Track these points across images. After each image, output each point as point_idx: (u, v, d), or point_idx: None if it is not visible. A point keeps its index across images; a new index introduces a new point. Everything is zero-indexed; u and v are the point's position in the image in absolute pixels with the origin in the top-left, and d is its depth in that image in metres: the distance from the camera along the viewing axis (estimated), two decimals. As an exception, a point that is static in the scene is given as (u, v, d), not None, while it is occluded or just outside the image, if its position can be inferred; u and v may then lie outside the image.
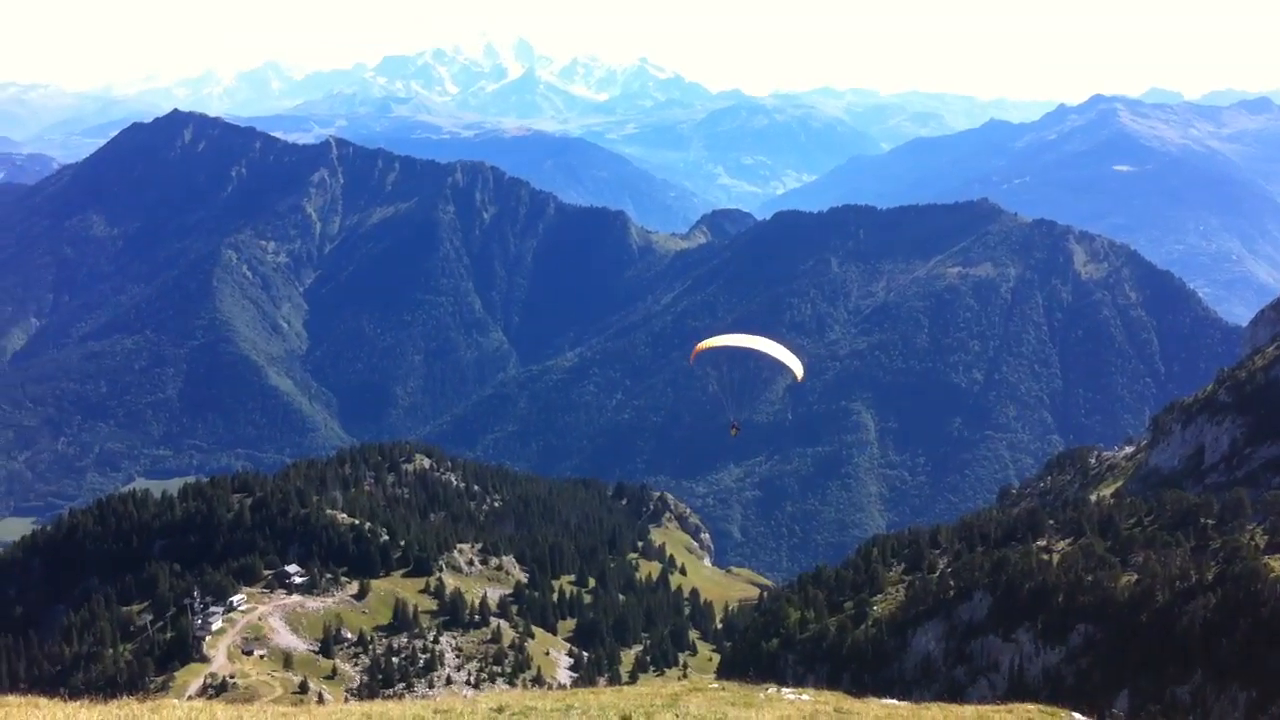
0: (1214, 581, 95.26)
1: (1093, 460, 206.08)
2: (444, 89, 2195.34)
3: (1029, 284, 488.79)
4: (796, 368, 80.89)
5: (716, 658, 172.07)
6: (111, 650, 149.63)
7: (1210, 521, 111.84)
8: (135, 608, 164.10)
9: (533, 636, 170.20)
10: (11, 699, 31.77)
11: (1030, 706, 55.23)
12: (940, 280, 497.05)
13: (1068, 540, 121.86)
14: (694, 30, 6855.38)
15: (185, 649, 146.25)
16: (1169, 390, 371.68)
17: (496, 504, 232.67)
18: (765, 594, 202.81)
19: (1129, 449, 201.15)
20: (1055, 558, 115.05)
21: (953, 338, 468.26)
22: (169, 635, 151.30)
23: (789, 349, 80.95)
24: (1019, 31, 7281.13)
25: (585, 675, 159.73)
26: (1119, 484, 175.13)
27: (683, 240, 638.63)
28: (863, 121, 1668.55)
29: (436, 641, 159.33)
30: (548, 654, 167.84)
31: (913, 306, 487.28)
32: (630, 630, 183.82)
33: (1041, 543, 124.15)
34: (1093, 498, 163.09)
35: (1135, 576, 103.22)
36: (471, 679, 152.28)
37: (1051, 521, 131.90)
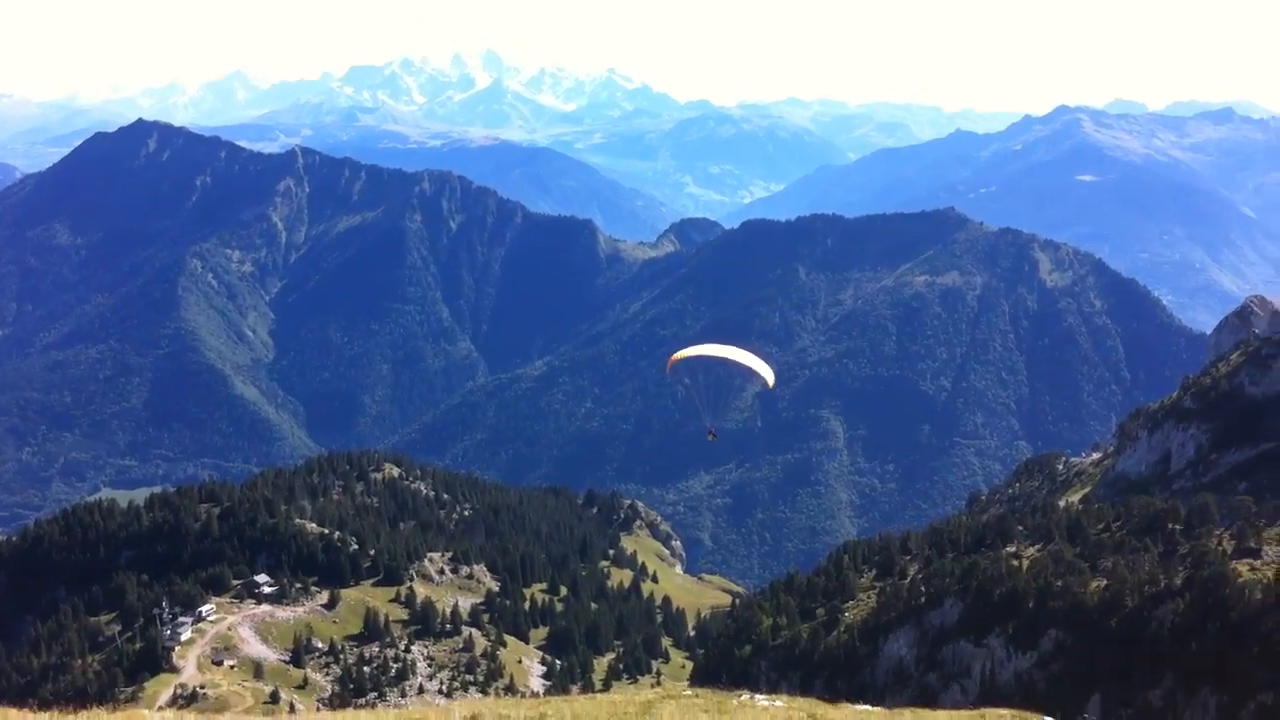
0: (1182, 586, 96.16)
1: (1060, 466, 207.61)
2: (411, 99, 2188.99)
3: (995, 292, 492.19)
4: (767, 374, 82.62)
5: (689, 665, 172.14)
6: (80, 661, 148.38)
7: (1178, 527, 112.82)
8: (103, 618, 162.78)
9: (505, 645, 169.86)
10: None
11: (1003, 712, 55.78)
12: (907, 288, 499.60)
13: (1037, 546, 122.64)
14: (661, 41, 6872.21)
15: (155, 659, 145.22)
16: (1135, 397, 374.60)
17: (466, 513, 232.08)
18: (737, 601, 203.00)
19: (1096, 455, 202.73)
20: (1025, 563, 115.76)
21: (920, 345, 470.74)
22: (138, 646, 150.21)
23: (758, 356, 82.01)
24: (984, 43, 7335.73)
25: (558, 683, 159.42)
26: (1087, 490, 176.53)
27: (651, 249, 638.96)
28: (830, 131, 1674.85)
29: (408, 650, 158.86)
30: (520, 662, 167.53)
31: (880, 314, 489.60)
32: (603, 638, 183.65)
33: (1011, 549, 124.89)
34: (1061, 503, 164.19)
35: (1104, 582, 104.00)
36: (444, 688, 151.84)
37: (1021, 527, 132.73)
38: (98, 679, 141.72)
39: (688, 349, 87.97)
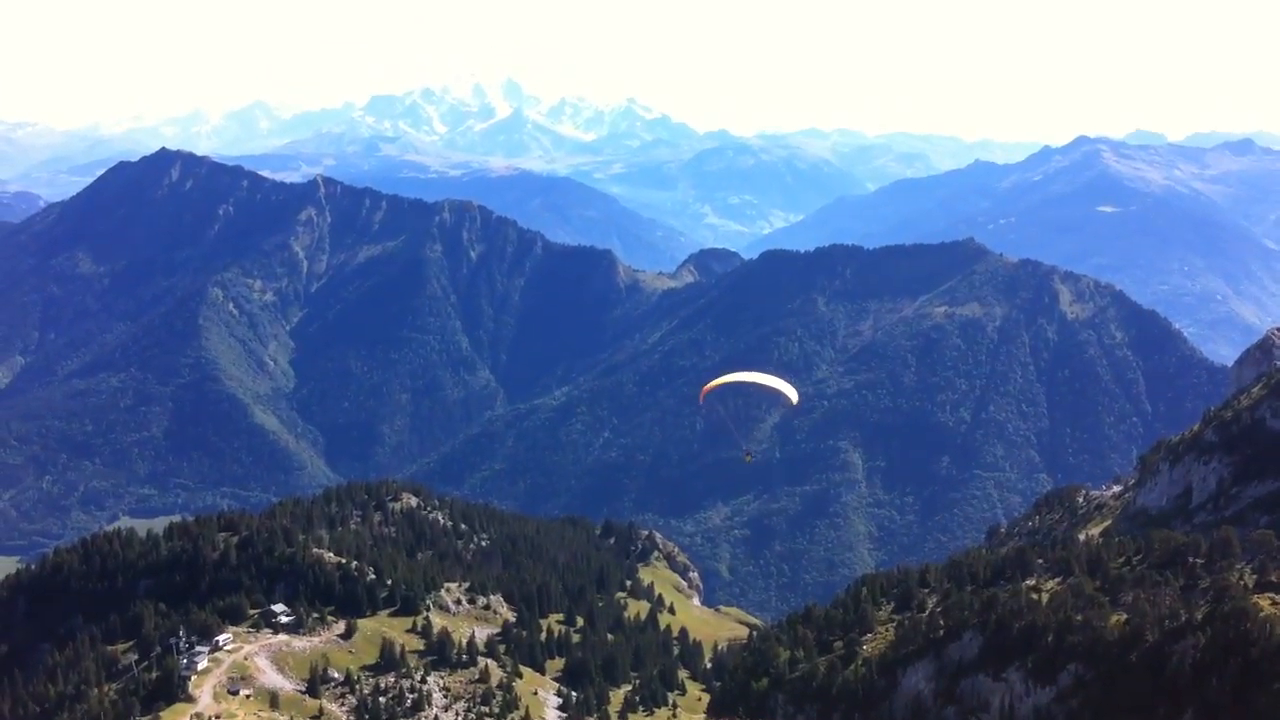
0: (1203, 621, 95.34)
1: (1080, 499, 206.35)
2: (432, 128, 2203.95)
3: (1015, 324, 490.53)
4: (791, 393, 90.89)
5: (706, 697, 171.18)
6: (96, 690, 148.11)
7: (1199, 561, 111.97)
8: (120, 647, 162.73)
9: (520, 676, 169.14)
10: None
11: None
12: (927, 320, 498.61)
13: (1057, 580, 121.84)
14: (681, 71, 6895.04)
15: (170, 689, 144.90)
16: (1155, 430, 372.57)
17: (484, 543, 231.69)
18: (754, 633, 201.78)
19: (1117, 488, 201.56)
20: (1044, 597, 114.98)
21: (940, 377, 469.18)
22: (154, 675, 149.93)
23: (781, 379, 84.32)
24: (1004, 74, 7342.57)
25: (574, 715, 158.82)
26: (1107, 523, 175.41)
27: (670, 279, 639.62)
28: (849, 162, 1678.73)
29: (424, 681, 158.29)
30: (536, 694, 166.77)
31: (900, 346, 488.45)
32: (619, 669, 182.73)
33: (1030, 582, 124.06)
34: (1081, 537, 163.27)
35: (1125, 616, 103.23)
36: (459, 719, 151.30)
37: (1040, 561, 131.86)
38: (114, 708, 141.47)
39: (719, 379, 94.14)
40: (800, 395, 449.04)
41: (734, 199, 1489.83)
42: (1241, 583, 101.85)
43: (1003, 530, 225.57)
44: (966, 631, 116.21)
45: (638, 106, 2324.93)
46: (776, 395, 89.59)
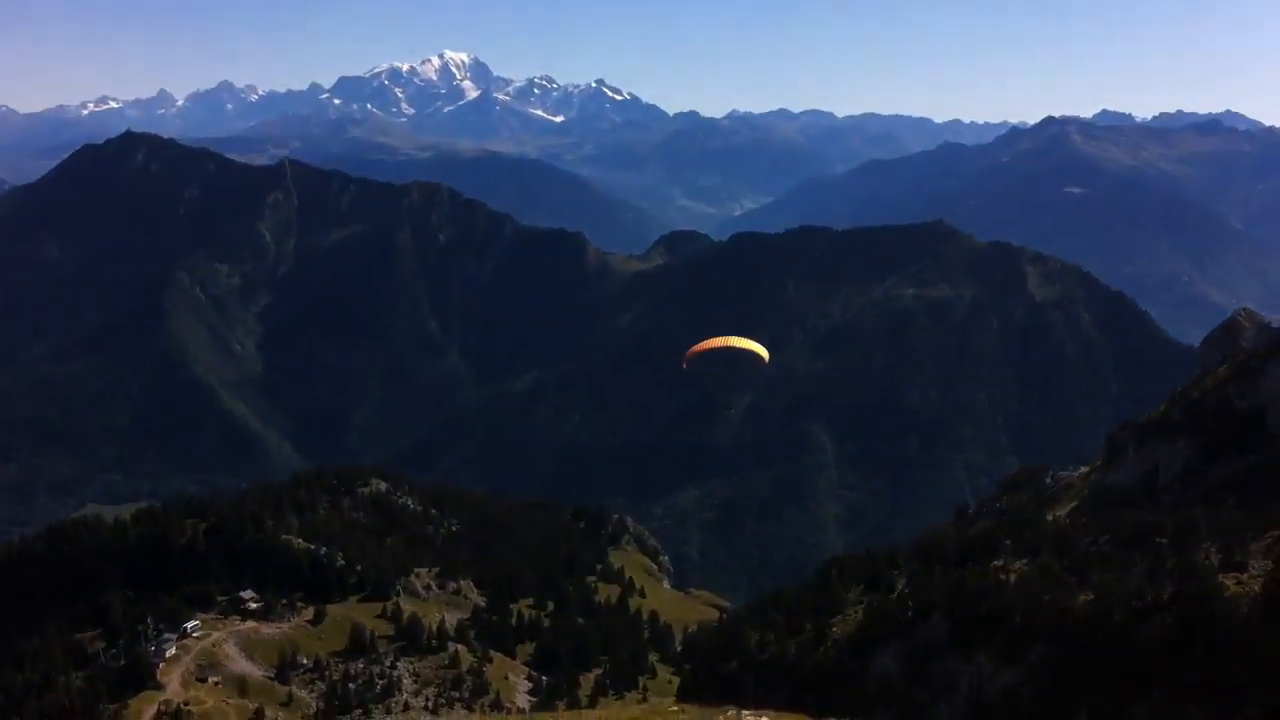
0: (1170, 600, 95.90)
1: (1048, 480, 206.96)
2: (400, 110, 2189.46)
3: (984, 305, 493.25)
4: (763, 352, 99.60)
5: (676, 680, 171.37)
6: (64, 678, 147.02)
7: (1165, 541, 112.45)
8: (88, 635, 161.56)
9: (491, 661, 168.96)
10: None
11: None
12: (896, 301, 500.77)
13: (1024, 560, 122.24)
14: (650, 53, 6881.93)
15: (139, 676, 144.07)
16: (1122, 410, 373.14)
17: (454, 527, 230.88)
18: (724, 616, 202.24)
19: (1084, 469, 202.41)
20: (1012, 577, 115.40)
21: (909, 358, 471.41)
22: (122, 663, 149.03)
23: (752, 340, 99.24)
24: (972, 55, 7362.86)
25: (545, 699, 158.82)
26: (1074, 504, 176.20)
27: (640, 262, 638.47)
28: (818, 143, 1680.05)
29: (394, 667, 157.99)
30: (506, 678, 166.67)
31: (869, 327, 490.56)
32: (589, 653, 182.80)
33: (998, 563, 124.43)
34: (1049, 517, 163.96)
35: (1092, 596, 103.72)
36: (430, 704, 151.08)
37: (1008, 541, 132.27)
38: (82, 696, 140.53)
39: (702, 344, 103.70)
40: (769, 379, 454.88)
41: (704, 181, 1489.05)
42: (1208, 562, 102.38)
43: (971, 511, 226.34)
44: (935, 613, 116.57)
45: (607, 88, 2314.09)
46: (749, 357, 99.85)
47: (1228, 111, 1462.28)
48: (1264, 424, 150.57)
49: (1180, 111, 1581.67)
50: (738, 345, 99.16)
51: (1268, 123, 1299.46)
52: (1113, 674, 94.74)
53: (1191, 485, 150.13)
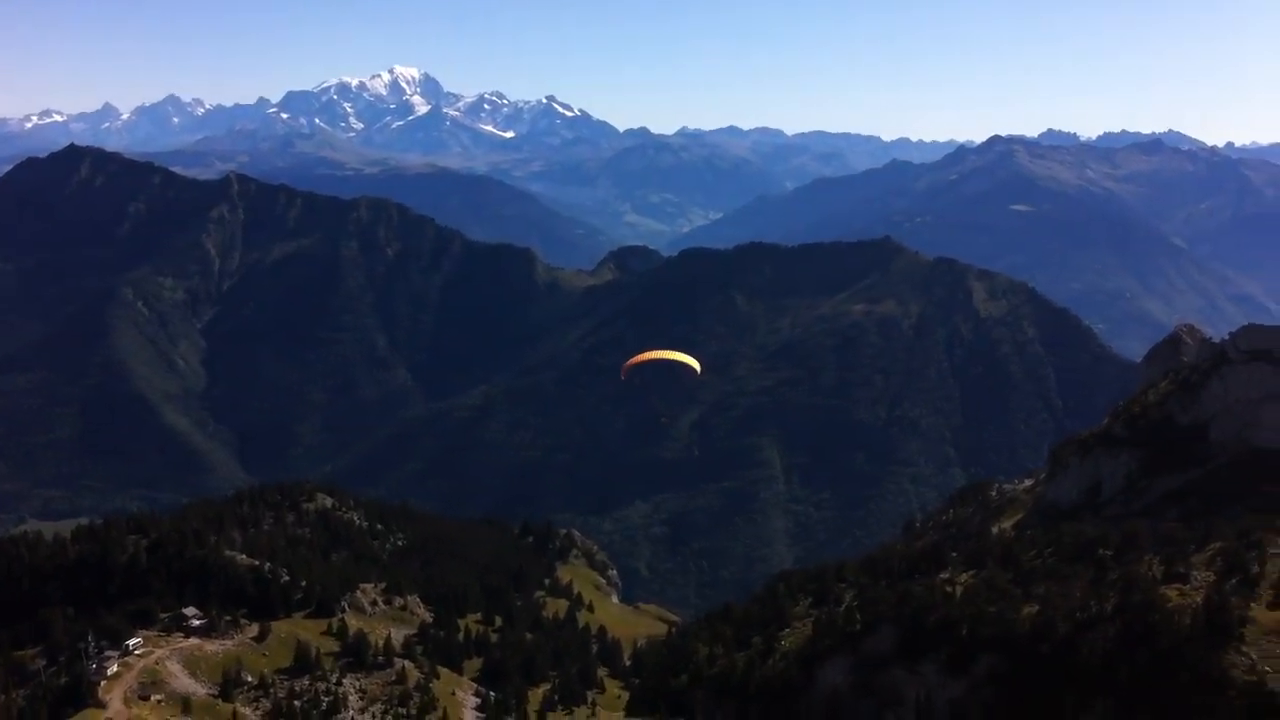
0: (1113, 612, 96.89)
1: (994, 493, 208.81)
2: (349, 125, 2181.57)
3: (931, 321, 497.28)
4: (695, 364, 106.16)
5: (625, 695, 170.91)
6: (4, 696, 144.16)
7: (1109, 553, 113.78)
8: (28, 652, 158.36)
9: (438, 677, 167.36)
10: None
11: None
12: (845, 317, 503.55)
13: (970, 572, 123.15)
14: (600, 69, 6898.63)
15: (80, 694, 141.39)
16: (1066, 424, 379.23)
17: (400, 543, 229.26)
18: (673, 630, 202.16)
19: (1028, 482, 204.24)
20: (959, 590, 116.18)
21: (857, 373, 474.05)
22: (63, 680, 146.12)
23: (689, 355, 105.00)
24: (921, 74, 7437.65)
25: (492, 715, 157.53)
26: (1019, 516, 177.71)
27: (590, 277, 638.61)
28: (768, 160, 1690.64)
29: (340, 683, 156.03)
30: (454, 694, 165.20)
31: (818, 343, 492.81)
32: (538, 668, 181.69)
33: (945, 575, 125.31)
34: (994, 530, 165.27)
35: (1037, 608, 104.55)
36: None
37: (954, 554, 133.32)
38: (22, 715, 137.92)
39: (638, 356, 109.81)
40: (718, 394, 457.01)
41: (654, 197, 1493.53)
42: (1150, 574, 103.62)
43: (918, 524, 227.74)
44: (882, 625, 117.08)
45: (557, 104, 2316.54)
46: (686, 368, 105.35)
47: (1170, 131, 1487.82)
48: (1206, 437, 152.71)
49: (1124, 131, 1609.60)
50: (671, 358, 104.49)
51: (1209, 142, 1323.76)
52: (1058, 684, 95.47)
53: (1134, 498, 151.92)
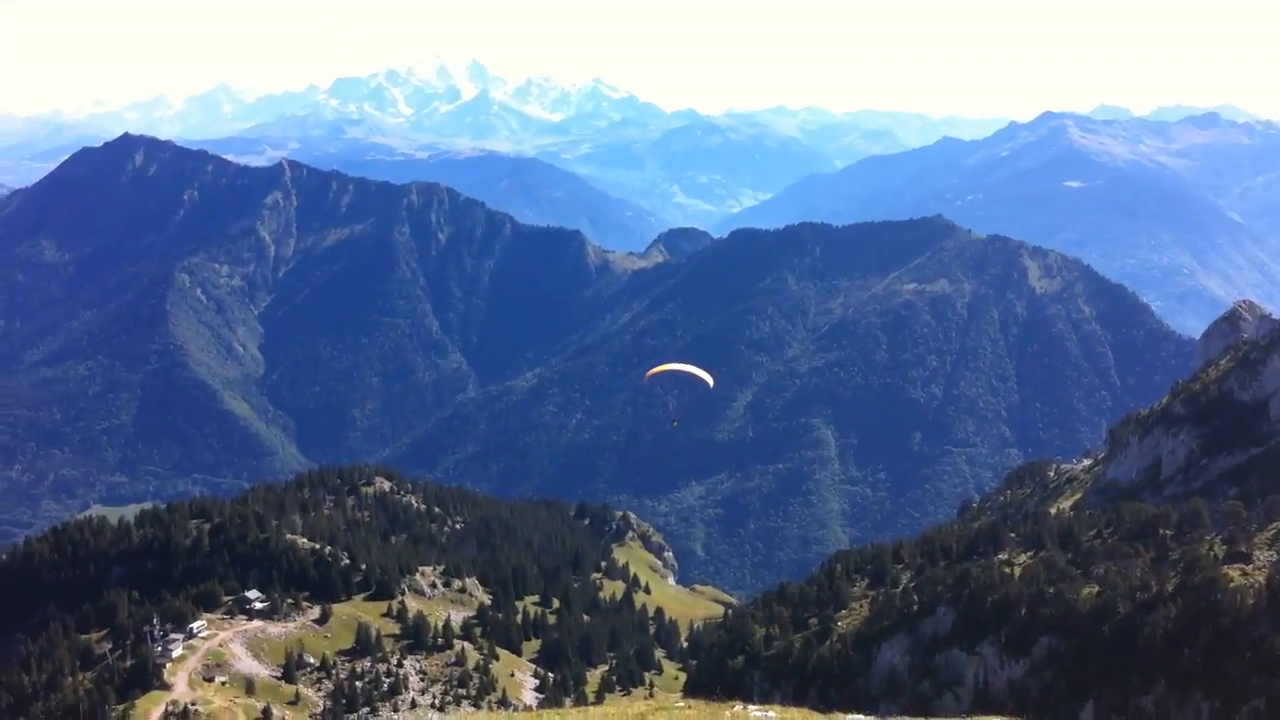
0: (1174, 592, 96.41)
1: (1051, 473, 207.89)
2: (397, 110, 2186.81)
3: (984, 299, 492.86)
4: (707, 377, 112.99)
5: (682, 676, 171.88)
6: (71, 679, 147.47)
7: (1169, 532, 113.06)
8: (94, 636, 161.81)
9: (497, 658, 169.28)
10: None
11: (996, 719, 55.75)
12: (897, 296, 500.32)
13: (1029, 553, 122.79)
14: (647, 50, 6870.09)
15: (146, 676, 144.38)
16: (1124, 403, 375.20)
17: (458, 526, 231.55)
18: (730, 611, 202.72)
19: (1087, 461, 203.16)
20: (1017, 570, 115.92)
21: (910, 353, 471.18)
22: (129, 663, 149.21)
23: (702, 369, 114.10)
24: (969, 50, 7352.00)
25: (551, 696, 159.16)
26: (1078, 496, 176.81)
27: (640, 259, 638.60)
28: (817, 140, 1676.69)
29: (400, 665, 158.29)
30: (512, 675, 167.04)
31: (870, 323, 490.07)
32: (595, 650, 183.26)
33: (1003, 556, 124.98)
34: (1052, 510, 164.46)
35: (1097, 588, 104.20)
36: (436, 702, 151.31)
37: (1012, 535, 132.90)
38: (89, 697, 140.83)
39: (657, 367, 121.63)
40: (770, 375, 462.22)
41: (702, 178, 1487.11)
42: (1211, 554, 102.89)
43: (975, 505, 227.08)
44: (940, 606, 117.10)
45: (604, 86, 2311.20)
46: (699, 379, 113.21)
47: (1225, 105, 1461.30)
48: (1266, 415, 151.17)
49: (1178, 105, 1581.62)
50: (687, 371, 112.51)
51: (1265, 116, 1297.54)
52: (1118, 666, 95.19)
53: (1194, 477, 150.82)
